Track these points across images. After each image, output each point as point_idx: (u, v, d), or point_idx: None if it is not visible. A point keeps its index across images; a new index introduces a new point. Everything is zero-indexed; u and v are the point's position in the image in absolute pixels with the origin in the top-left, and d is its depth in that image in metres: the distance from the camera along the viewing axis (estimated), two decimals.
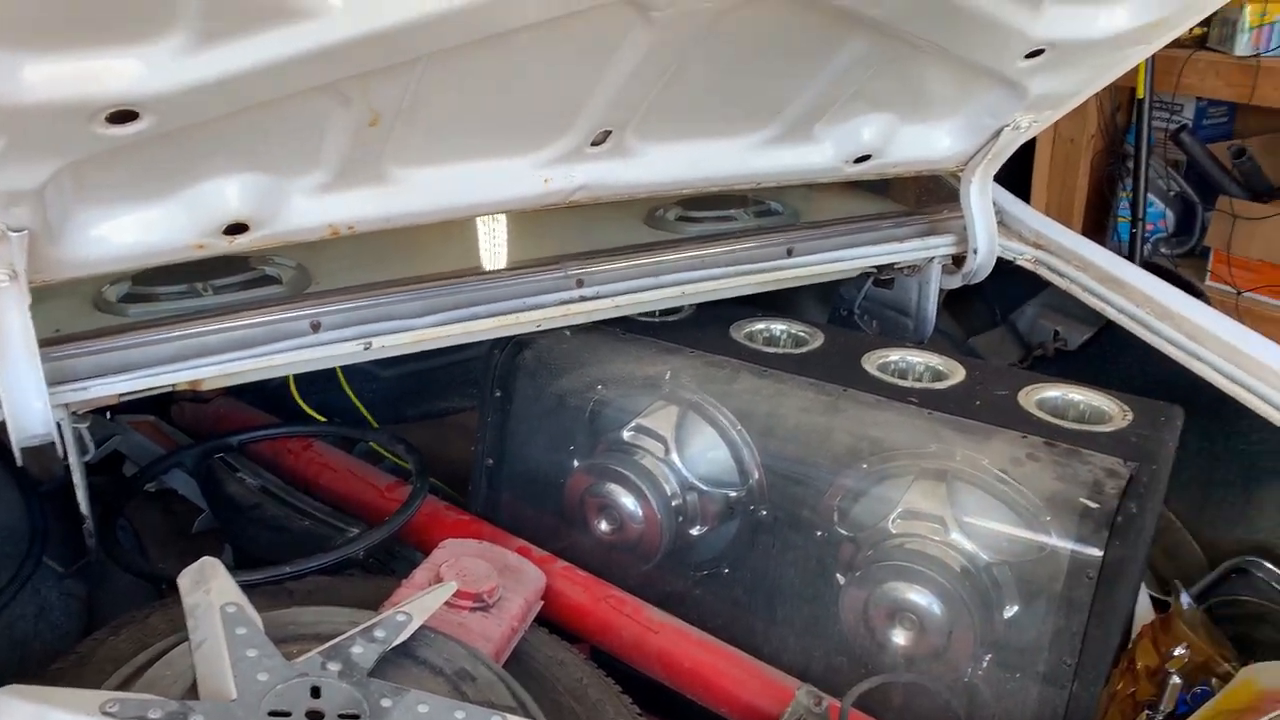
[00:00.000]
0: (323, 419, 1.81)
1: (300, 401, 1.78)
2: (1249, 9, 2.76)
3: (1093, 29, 1.34)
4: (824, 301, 2.03)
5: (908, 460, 1.38)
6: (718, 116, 1.42)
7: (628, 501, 1.53)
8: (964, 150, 1.63)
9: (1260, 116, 3.05)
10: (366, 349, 1.35)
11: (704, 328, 1.65)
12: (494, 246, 1.62)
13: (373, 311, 1.36)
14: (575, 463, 1.59)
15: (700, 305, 1.69)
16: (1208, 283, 2.96)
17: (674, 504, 1.52)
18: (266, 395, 1.81)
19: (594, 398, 1.57)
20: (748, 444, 1.51)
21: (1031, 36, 1.33)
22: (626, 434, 1.55)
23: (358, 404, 1.87)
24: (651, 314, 1.67)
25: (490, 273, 1.48)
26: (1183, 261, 3.12)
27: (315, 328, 1.32)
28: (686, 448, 1.54)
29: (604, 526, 1.55)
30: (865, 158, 1.58)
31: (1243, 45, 2.80)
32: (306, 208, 1.23)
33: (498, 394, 1.61)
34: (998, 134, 1.59)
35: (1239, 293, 2.87)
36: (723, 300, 1.68)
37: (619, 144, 1.39)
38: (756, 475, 1.51)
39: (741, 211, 1.86)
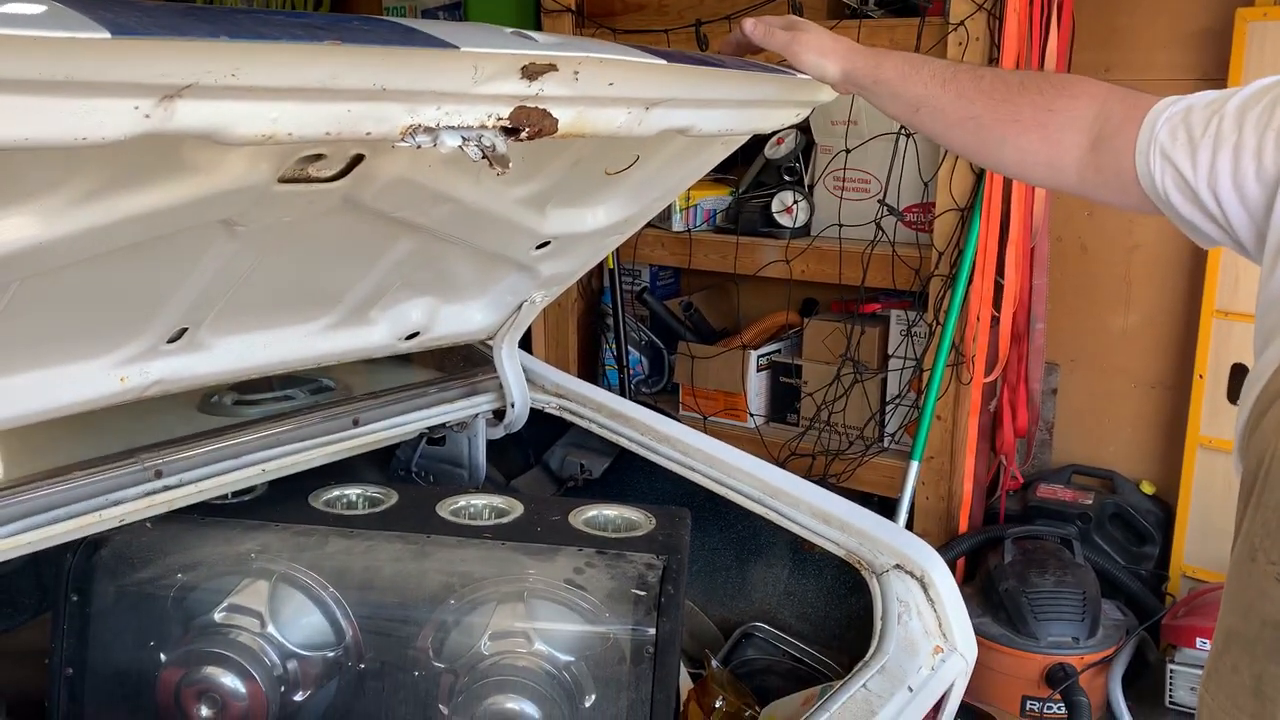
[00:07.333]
0: None
1: None
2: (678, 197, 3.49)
3: (584, 225, 1.72)
4: (380, 464, 2.20)
5: (490, 588, 1.60)
6: (286, 308, 1.58)
7: (227, 681, 1.56)
8: (493, 323, 1.94)
9: (698, 277, 3.82)
10: None
11: (283, 502, 1.75)
12: (56, 447, 1.59)
13: None
14: (163, 656, 1.59)
15: (273, 482, 1.79)
16: (680, 413, 3.58)
17: (276, 674, 1.59)
18: None
19: (182, 585, 1.59)
20: (340, 604, 1.63)
21: (540, 233, 1.68)
22: (219, 615, 1.59)
23: None
24: (224, 496, 1.74)
25: (63, 474, 1.47)
26: (659, 397, 3.74)
27: None
28: (282, 618, 1.61)
29: (205, 713, 1.56)
30: (414, 335, 1.82)
31: (678, 223, 3.52)
32: None
33: (74, 598, 1.56)
34: (519, 308, 1.92)
35: (705, 418, 3.52)
36: (292, 476, 1.79)
37: (193, 339, 1.49)
38: (351, 632, 1.63)
39: (298, 390, 1.99)
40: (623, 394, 3.47)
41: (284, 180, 1.16)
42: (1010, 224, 2.86)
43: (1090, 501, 3.11)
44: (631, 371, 3.72)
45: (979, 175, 2.85)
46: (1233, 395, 2.89)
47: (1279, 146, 1.04)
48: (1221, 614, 1.07)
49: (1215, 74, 2.91)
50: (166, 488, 1.54)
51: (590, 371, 3.84)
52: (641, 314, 3.79)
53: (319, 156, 1.15)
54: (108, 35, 0.69)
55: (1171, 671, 2.70)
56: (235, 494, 1.74)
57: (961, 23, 2.76)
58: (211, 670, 1.55)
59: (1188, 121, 1.12)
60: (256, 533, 1.65)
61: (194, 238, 1.25)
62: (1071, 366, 3.36)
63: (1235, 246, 1.14)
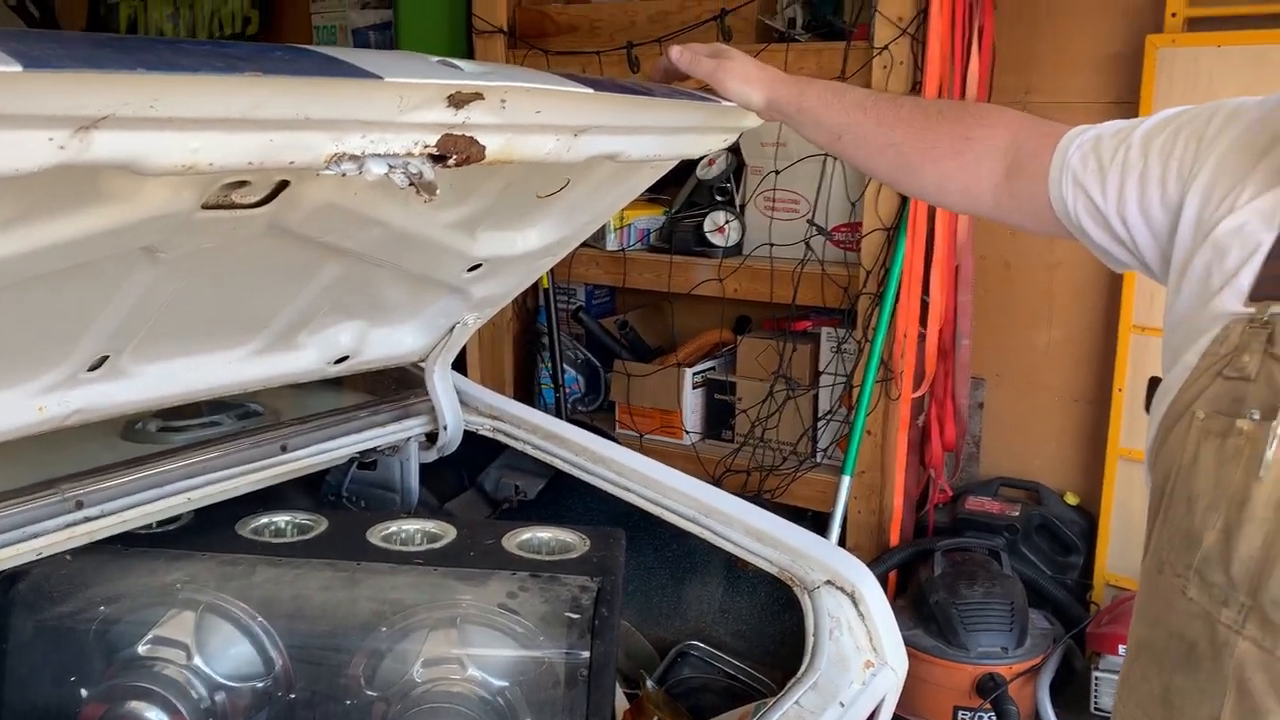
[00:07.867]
0: None
1: None
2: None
3: (515, 248, 1.72)
4: (309, 490, 2.17)
5: (423, 615, 1.59)
6: (211, 334, 1.56)
7: (152, 715, 1.53)
8: (425, 345, 1.93)
9: (633, 296, 3.84)
10: None
11: (209, 531, 1.71)
12: None
13: None
14: (85, 691, 1.55)
15: (198, 510, 1.75)
16: (617, 431, 3.59)
17: (203, 707, 1.56)
18: None
19: (105, 618, 1.55)
20: (269, 633, 1.60)
21: (471, 255, 1.68)
22: (143, 648, 1.56)
23: None
24: (148, 526, 1.70)
25: None
26: (596, 416, 3.74)
27: None
28: (209, 649, 1.59)
29: None
30: (344, 358, 1.80)
31: (612, 243, 3.54)
32: None
33: None
34: (451, 330, 1.91)
35: (641, 436, 3.53)
36: (218, 504, 1.76)
37: (115, 367, 1.46)
38: (281, 662, 1.60)
39: (225, 416, 1.95)
40: (559, 413, 3.47)
41: (207, 206, 1.15)
42: (935, 243, 2.93)
43: (1017, 513, 3.18)
44: (568, 390, 3.72)
45: (904, 196, 2.91)
46: (1149, 407, 2.98)
47: (1180, 175, 1.08)
48: (1133, 624, 1.11)
49: (1128, 97, 3.02)
50: (87, 519, 1.50)
51: (527, 391, 3.84)
52: (577, 333, 3.80)
53: (243, 183, 1.14)
54: (19, 69, 0.68)
55: (1096, 678, 2.77)
56: (159, 523, 1.70)
57: (885, 47, 2.83)
58: (136, 705, 1.52)
59: (1098, 150, 1.17)
60: (182, 563, 1.62)
61: (115, 265, 1.23)
62: (997, 381, 3.44)
63: (1143, 269, 1.19)
